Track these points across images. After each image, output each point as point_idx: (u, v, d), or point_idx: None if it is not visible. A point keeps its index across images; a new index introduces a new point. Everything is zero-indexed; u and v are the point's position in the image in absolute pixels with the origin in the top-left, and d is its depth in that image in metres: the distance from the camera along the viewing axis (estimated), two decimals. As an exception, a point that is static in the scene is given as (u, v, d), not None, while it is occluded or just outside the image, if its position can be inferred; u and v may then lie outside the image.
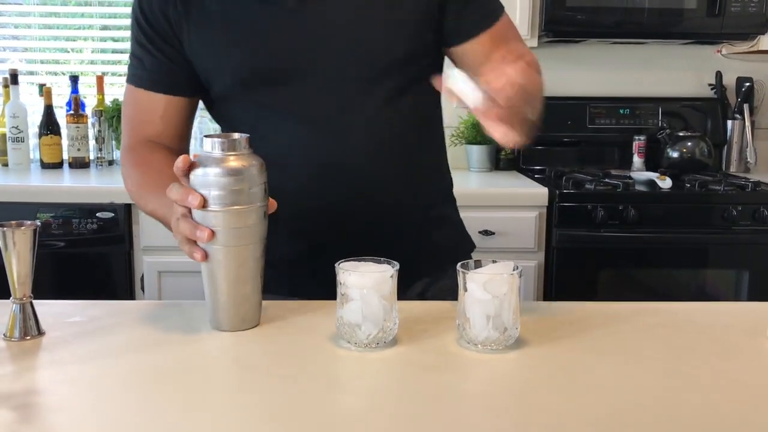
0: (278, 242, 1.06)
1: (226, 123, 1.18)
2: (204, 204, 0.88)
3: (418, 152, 1.17)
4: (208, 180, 0.88)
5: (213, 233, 0.89)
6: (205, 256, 0.91)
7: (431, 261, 1.18)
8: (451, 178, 1.27)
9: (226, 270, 0.92)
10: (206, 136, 0.90)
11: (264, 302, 0.98)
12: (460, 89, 0.85)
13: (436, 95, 1.08)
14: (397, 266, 0.89)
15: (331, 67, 1.08)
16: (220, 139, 0.89)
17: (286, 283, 1.16)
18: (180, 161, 0.89)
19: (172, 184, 0.91)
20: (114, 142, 2.69)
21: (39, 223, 0.88)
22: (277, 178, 0.99)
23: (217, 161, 0.88)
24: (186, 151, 1.15)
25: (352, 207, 1.12)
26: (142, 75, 1.13)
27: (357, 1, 1.08)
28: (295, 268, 1.17)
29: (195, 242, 0.91)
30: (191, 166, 0.90)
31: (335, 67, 1.08)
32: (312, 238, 1.15)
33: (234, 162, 0.89)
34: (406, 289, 1.08)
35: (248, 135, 0.92)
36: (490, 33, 1.13)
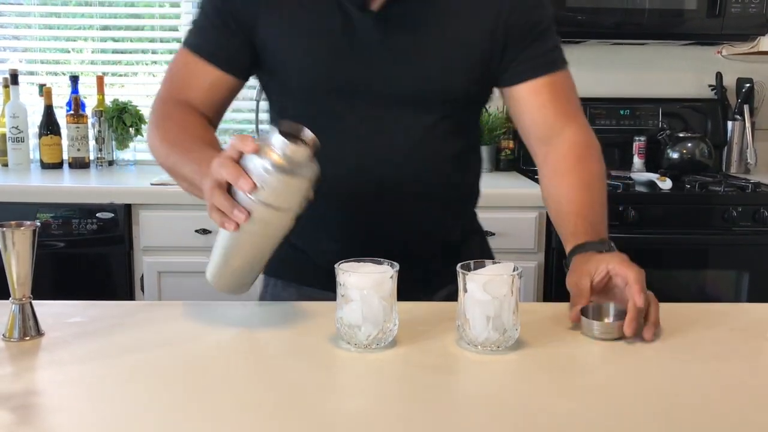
0: (319, 243, 1.15)
1: (276, 104, 1.20)
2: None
3: (457, 175, 1.20)
4: (264, 173, 0.83)
5: (247, 213, 0.85)
6: (237, 227, 0.87)
7: (449, 268, 1.20)
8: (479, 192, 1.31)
9: (249, 247, 0.91)
10: (281, 132, 0.84)
11: (265, 303, 0.98)
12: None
13: (477, 121, 1.19)
14: (397, 267, 0.89)
15: (390, 92, 1.10)
16: (291, 144, 0.84)
17: (323, 278, 1.13)
18: (247, 145, 0.84)
19: (223, 155, 0.86)
20: (114, 143, 2.69)
21: (38, 224, 0.88)
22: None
23: (281, 159, 0.83)
24: (215, 126, 1.16)
25: (388, 221, 1.15)
26: (202, 45, 1.13)
27: (431, 39, 1.10)
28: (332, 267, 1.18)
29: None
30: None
31: (394, 92, 1.10)
32: (349, 243, 1.16)
33: (296, 166, 0.84)
34: (432, 294, 1.17)
35: (317, 141, 0.88)
36: (546, 81, 1.14)
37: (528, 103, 1.15)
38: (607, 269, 0.97)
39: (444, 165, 1.16)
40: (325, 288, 1.08)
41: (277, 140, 0.83)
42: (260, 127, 2.76)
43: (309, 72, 1.11)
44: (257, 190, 0.83)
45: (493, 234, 2.21)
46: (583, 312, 0.93)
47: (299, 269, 1.20)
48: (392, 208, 1.14)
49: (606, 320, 0.94)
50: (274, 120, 1.22)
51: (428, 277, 1.18)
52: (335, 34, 1.08)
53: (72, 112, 2.60)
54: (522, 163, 2.69)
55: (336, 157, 1.10)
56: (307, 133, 0.87)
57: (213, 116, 1.16)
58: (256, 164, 0.83)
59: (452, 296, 1.16)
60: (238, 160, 0.85)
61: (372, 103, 1.10)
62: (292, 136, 0.85)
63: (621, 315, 0.93)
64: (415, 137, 1.13)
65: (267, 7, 1.10)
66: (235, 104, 2.88)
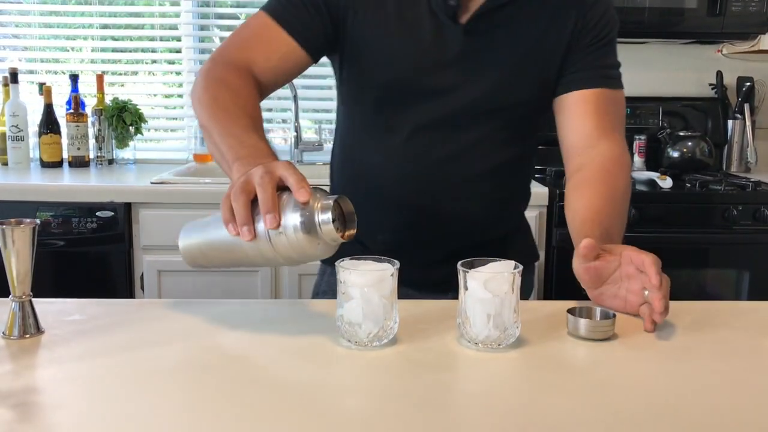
0: (376, 234, 1.21)
1: (349, 99, 1.23)
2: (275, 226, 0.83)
3: (515, 179, 1.29)
4: (291, 225, 0.82)
5: (254, 236, 0.84)
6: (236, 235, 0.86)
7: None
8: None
9: (233, 255, 0.90)
10: (335, 203, 0.84)
11: (265, 302, 0.97)
12: None
13: (536, 127, 1.25)
14: (398, 265, 0.89)
15: (466, 99, 1.16)
16: (332, 228, 0.83)
17: None
18: (300, 193, 0.82)
19: (269, 174, 0.84)
20: (114, 141, 2.69)
21: (38, 221, 0.88)
22: (379, 179, 1.19)
23: (315, 230, 0.83)
24: (267, 94, 1.16)
25: (445, 218, 1.22)
26: (285, 15, 1.14)
27: (510, 50, 1.16)
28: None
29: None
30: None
31: (470, 100, 1.16)
32: (404, 236, 1.23)
33: (321, 243, 0.84)
34: None
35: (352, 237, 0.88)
36: (597, 94, 1.18)
37: (573, 111, 1.19)
38: (621, 253, 0.98)
39: (506, 169, 1.24)
40: None
41: (325, 216, 0.83)
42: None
43: (394, 70, 1.16)
44: (275, 230, 0.83)
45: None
46: (571, 313, 0.93)
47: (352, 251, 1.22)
48: (451, 207, 1.21)
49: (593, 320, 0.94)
50: (346, 118, 1.27)
51: None
52: (425, 40, 1.14)
53: (72, 110, 2.60)
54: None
55: (403, 155, 1.19)
56: (352, 226, 0.88)
57: (271, 85, 1.17)
58: (292, 213, 0.83)
59: None
60: (280, 186, 0.85)
61: (446, 108, 1.16)
62: (340, 210, 0.85)
63: (607, 317, 0.93)
64: (483, 141, 1.19)
65: (355, 4, 1.14)
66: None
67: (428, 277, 1.22)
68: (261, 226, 0.84)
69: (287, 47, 1.14)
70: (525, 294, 1.34)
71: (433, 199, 1.21)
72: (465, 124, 1.18)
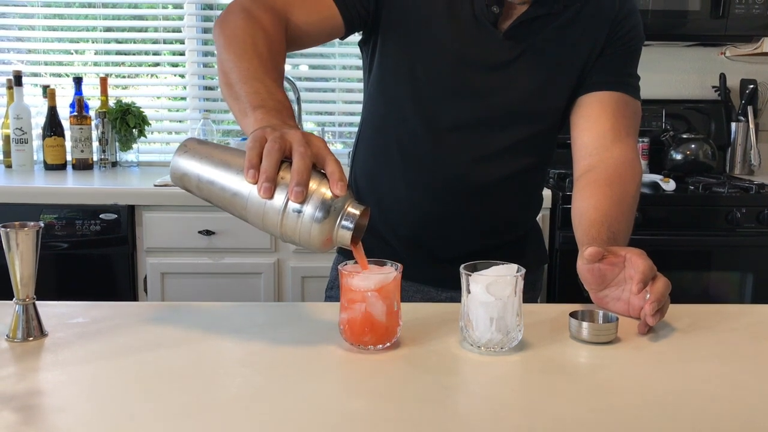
0: (398, 229, 1.25)
1: (382, 79, 1.23)
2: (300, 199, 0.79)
3: (532, 182, 1.32)
4: (312, 210, 0.79)
5: (271, 197, 0.79)
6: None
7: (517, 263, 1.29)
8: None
9: (235, 203, 0.84)
10: (360, 205, 0.81)
11: (268, 305, 0.97)
12: None
13: (557, 132, 1.27)
14: (401, 268, 0.89)
15: (499, 103, 1.19)
16: (348, 229, 0.81)
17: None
18: (336, 186, 0.79)
19: (311, 148, 0.80)
20: (117, 144, 2.70)
21: (42, 224, 0.88)
22: (406, 173, 1.21)
23: (333, 224, 0.81)
24: (285, 49, 1.09)
25: (465, 216, 1.24)
26: None
27: (545, 58, 1.19)
28: (404, 258, 1.26)
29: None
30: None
31: (503, 103, 1.19)
32: (425, 233, 1.25)
33: (333, 238, 0.82)
34: None
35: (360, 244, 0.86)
36: (615, 98, 1.20)
37: (590, 111, 1.20)
38: (625, 256, 0.98)
39: (530, 173, 1.27)
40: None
41: (348, 223, 0.80)
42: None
43: (436, 66, 1.17)
44: (294, 207, 0.79)
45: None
46: (573, 316, 0.93)
47: (377, 252, 1.21)
48: (475, 207, 1.23)
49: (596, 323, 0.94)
50: (378, 106, 1.27)
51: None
52: (467, 42, 1.17)
53: (75, 113, 2.60)
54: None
55: (433, 152, 1.21)
56: (359, 238, 0.85)
57: (299, 43, 1.16)
58: (318, 201, 0.79)
59: None
60: (313, 166, 0.80)
61: (482, 110, 1.19)
62: (358, 219, 0.82)
63: (610, 320, 0.93)
64: (514, 145, 1.21)
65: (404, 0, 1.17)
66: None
67: (446, 275, 1.22)
68: (280, 193, 0.79)
69: (329, 12, 1.14)
70: (535, 295, 1.36)
71: (457, 198, 1.23)
72: (498, 128, 1.21)
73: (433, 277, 1.26)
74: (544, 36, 1.18)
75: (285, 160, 0.80)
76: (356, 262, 0.89)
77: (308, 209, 0.79)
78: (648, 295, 0.94)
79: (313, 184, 0.79)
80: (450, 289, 1.26)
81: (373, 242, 1.28)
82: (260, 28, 1.03)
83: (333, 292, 1.36)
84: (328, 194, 0.80)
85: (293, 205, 0.79)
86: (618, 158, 1.17)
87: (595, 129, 1.19)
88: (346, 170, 1.08)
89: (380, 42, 1.21)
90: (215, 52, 1.09)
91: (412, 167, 1.24)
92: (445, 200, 1.23)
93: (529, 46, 1.18)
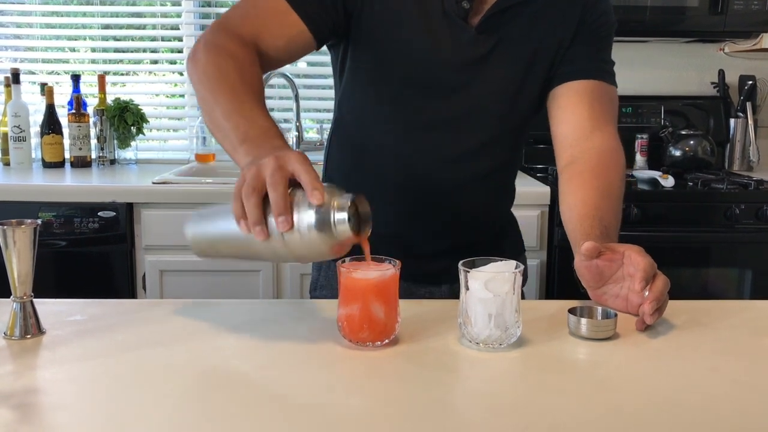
0: (376, 227, 1.23)
1: (354, 81, 1.23)
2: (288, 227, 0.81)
3: (506, 175, 1.32)
4: (305, 226, 0.80)
5: (267, 236, 0.82)
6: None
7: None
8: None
9: (245, 250, 0.87)
10: (352, 202, 0.82)
11: (267, 302, 0.97)
12: None
13: (528, 125, 1.26)
14: (399, 265, 0.89)
15: (472, 96, 1.18)
16: (348, 227, 0.81)
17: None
18: (314, 195, 0.80)
19: (281, 169, 0.81)
20: (116, 141, 2.69)
21: (39, 222, 0.87)
22: (383, 171, 1.21)
23: (330, 231, 0.81)
24: (259, 70, 1.09)
25: (439, 211, 1.24)
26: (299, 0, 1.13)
27: (516, 50, 1.18)
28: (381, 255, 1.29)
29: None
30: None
31: (475, 96, 1.18)
32: (399, 233, 1.24)
33: (337, 242, 0.82)
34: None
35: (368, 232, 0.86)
36: (590, 86, 1.19)
37: (567, 102, 1.19)
38: (623, 252, 0.98)
39: (505, 167, 1.28)
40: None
41: (341, 216, 0.81)
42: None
43: (408, 66, 1.17)
44: (290, 231, 0.81)
45: (495, 232, 2.21)
46: (572, 312, 0.93)
47: (354, 248, 1.22)
48: (452, 203, 1.23)
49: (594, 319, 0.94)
50: (350, 108, 1.26)
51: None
52: (439, 40, 1.15)
53: (74, 111, 2.60)
54: (524, 161, 2.69)
55: (409, 150, 1.20)
56: (367, 226, 0.86)
57: (273, 64, 1.17)
58: (306, 211, 0.80)
59: None
60: (293, 180, 0.82)
61: (457, 106, 1.18)
62: (356, 210, 0.83)
63: (608, 317, 0.93)
64: (490, 140, 1.21)
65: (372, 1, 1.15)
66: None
67: (424, 270, 1.23)
68: (274, 225, 0.81)
69: (297, 30, 1.13)
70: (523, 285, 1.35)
71: (432, 195, 1.22)
72: (473, 124, 1.20)
73: (412, 272, 1.21)
74: (516, 27, 1.17)
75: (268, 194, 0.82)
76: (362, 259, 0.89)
77: (301, 225, 0.81)
78: (647, 292, 0.94)
79: (296, 204, 0.81)
80: (429, 284, 1.26)
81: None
82: (228, 56, 1.04)
83: (317, 293, 1.36)
84: (311, 206, 0.81)
85: (287, 233, 0.81)
86: (600, 147, 1.16)
87: (574, 119, 1.18)
88: (320, 169, 1.10)
89: (351, 45, 1.20)
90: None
91: (384, 165, 1.23)
92: (419, 197, 1.23)
93: (502, 38, 1.16)
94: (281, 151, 0.85)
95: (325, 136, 2.84)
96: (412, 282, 1.21)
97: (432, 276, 1.25)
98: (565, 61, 1.19)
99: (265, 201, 0.82)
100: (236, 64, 1.03)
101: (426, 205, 1.23)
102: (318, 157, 2.83)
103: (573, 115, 1.18)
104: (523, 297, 1.33)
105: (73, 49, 2.88)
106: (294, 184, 0.83)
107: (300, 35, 1.14)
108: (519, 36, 1.17)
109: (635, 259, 0.95)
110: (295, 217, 0.80)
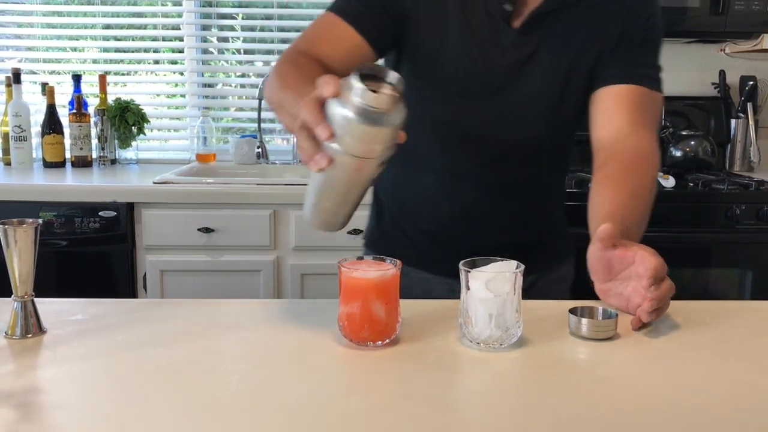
0: (419, 225, 1.28)
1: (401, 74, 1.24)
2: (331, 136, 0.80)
3: (552, 178, 1.33)
4: (342, 122, 0.79)
5: (330, 159, 0.82)
6: (322, 169, 0.84)
7: (541, 260, 1.28)
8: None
9: (336, 189, 0.88)
10: (362, 76, 0.79)
11: (267, 302, 0.97)
12: None
13: (576, 126, 1.27)
14: (400, 264, 0.89)
15: (516, 97, 1.19)
16: (372, 93, 0.78)
17: (419, 258, 1.28)
18: (326, 88, 0.81)
19: (308, 97, 0.83)
20: (116, 141, 2.69)
21: (40, 221, 0.88)
22: (427, 173, 1.23)
23: (360, 108, 0.79)
24: (319, 68, 1.12)
25: (486, 212, 1.25)
26: (350, 12, 1.17)
27: (558, 52, 1.18)
28: (428, 252, 1.29)
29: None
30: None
31: (520, 97, 1.19)
32: (445, 232, 1.27)
33: (377, 115, 0.79)
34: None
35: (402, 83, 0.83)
36: (632, 91, 1.18)
37: (606, 105, 1.19)
38: (636, 251, 0.96)
39: (549, 169, 1.29)
40: (420, 267, 1.23)
41: (358, 88, 0.78)
42: (262, 126, 2.76)
43: (453, 69, 1.18)
44: (337, 138, 0.80)
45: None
46: (573, 312, 0.93)
47: (400, 248, 1.25)
48: (494, 204, 1.25)
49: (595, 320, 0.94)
50: None
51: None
52: (482, 41, 1.17)
53: (74, 111, 2.60)
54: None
55: (452, 152, 1.23)
56: (392, 76, 0.82)
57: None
58: (335, 111, 0.80)
59: (533, 285, 1.27)
60: (322, 103, 0.83)
61: (491, 106, 1.19)
62: (374, 78, 0.81)
63: (609, 317, 0.93)
64: (531, 142, 1.23)
65: (418, 4, 1.18)
66: (239, 103, 2.88)
67: None
68: (329, 148, 0.81)
69: (354, 42, 1.17)
70: (565, 287, 1.36)
71: (479, 196, 1.24)
72: (518, 126, 1.21)
73: (456, 271, 1.26)
74: (557, 30, 1.18)
75: None
76: (361, 258, 0.89)
77: (339, 124, 0.79)
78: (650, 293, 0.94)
79: (326, 113, 0.81)
80: None
81: (397, 237, 1.32)
82: (290, 65, 1.11)
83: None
84: (332, 100, 0.80)
85: (336, 141, 0.80)
86: (634, 150, 1.16)
87: (611, 123, 1.18)
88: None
89: (400, 56, 1.23)
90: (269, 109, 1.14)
91: (427, 167, 1.25)
92: (462, 198, 1.25)
93: (543, 41, 1.17)
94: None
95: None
96: (456, 279, 1.21)
97: None
98: (608, 65, 1.19)
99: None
100: (295, 67, 1.10)
101: (469, 205, 1.25)
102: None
103: (611, 118, 1.18)
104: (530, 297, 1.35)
105: (74, 49, 2.88)
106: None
107: (358, 47, 1.17)
108: (560, 39, 1.18)
109: (647, 259, 0.94)
110: (333, 124, 0.80)
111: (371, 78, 0.81)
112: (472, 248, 1.23)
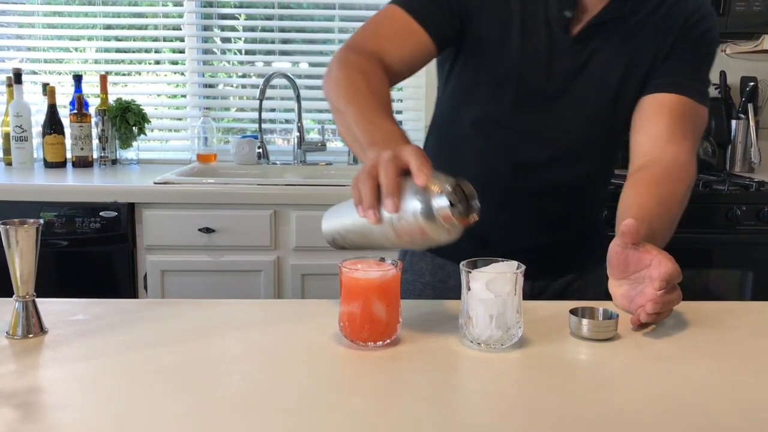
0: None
1: (458, 85, 1.26)
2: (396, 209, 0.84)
3: (596, 183, 1.33)
4: (410, 211, 0.82)
5: (380, 219, 0.85)
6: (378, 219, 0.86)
7: (580, 260, 1.32)
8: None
9: (365, 235, 0.91)
10: (454, 187, 0.82)
11: (268, 302, 0.97)
12: None
13: (622, 135, 1.26)
14: (400, 265, 0.89)
15: (567, 105, 1.20)
16: (451, 214, 0.81)
17: (457, 252, 1.30)
18: (419, 176, 0.83)
19: (392, 157, 0.85)
20: (117, 141, 2.70)
21: (42, 222, 0.88)
22: (477, 172, 1.15)
23: (433, 217, 0.82)
24: (386, 80, 1.14)
25: (528, 210, 1.26)
26: (420, 9, 1.18)
27: (612, 60, 1.19)
28: (466, 249, 1.29)
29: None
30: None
31: (572, 105, 1.20)
32: (487, 225, 1.25)
33: (440, 229, 0.83)
34: (552, 282, 1.30)
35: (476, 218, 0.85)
36: (676, 101, 1.18)
37: (649, 112, 1.19)
38: (655, 255, 0.96)
39: (597, 175, 1.30)
40: (458, 260, 1.21)
41: (443, 205, 0.81)
42: (263, 126, 2.76)
43: (510, 71, 1.19)
44: (397, 214, 0.83)
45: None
46: (573, 313, 0.93)
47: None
48: (541, 206, 1.25)
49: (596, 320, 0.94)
50: (450, 109, 1.30)
51: (554, 264, 1.30)
52: (540, 47, 1.19)
53: (75, 111, 2.60)
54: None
55: (504, 154, 1.24)
56: (476, 205, 0.85)
57: (398, 75, 1.20)
58: (411, 198, 0.83)
59: (570, 286, 1.31)
60: (406, 170, 0.85)
61: (542, 111, 1.21)
62: (461, 193, 0.83)
63: (610, 317, 0.93)
64: (582, 148, 1.24)
65: (483, 4, 1.19)
66: (240, 103, 2.88)
67: None
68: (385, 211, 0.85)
69: (419, 39, 1.17)
70: (602, 289, 1.35)
71: (519, 197, 1.25)
72: (566, 132, 1.22)
73: None
74: (613, 39, 1.19)
75: None
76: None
77: (407, 209, 0.83)
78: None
79: (405, 190, 0.84)
80: None
81: None
82: (357, 70, 1.11)
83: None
84: (416, 188, 0.83)
85: (395, 215, 0.84)
86: (670, 160, 1.16)
87: (651, 130, 1.18)
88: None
89: (457, 55, 1.24)
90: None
91: (472, 165, 1.25)
92: (504, 199, 1.25)
93: (597, 50, 1.18)
94: (400, 146, 0.89)
95: (327, 136, 2.85)
96: None
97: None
98: (658, 73, 1.20)
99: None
100: (365, 77, 1.10)
101: (511, 206, 1.26)
102: (318, 158, 2.84)
103: (652, 126, 1.18)
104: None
105: (75, 49, 2.88)
106: (408, 174, 0.85)
107: (423, 44, 1.18)
108: (615, 49, 1.19)
109: (663, 263, 0.94)
110: (403, 202, 0.83)
111: (456, 192, 0.83)
112: (511, 247, 1.24)
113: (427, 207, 0.82)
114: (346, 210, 0.93)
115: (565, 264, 1.31)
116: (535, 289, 1.28)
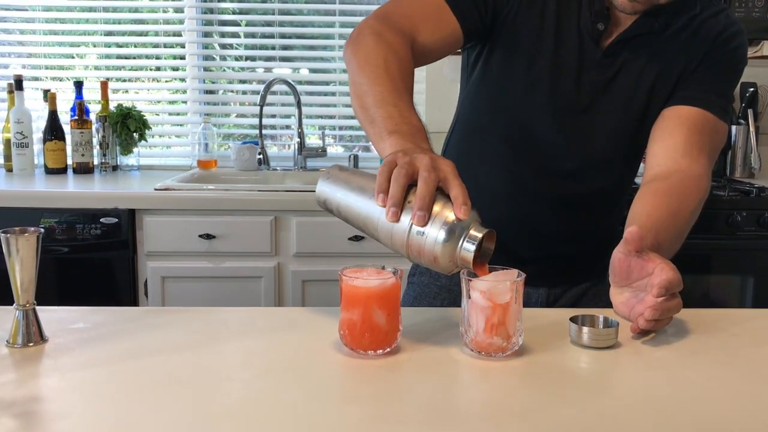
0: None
1: (481, 85, 1.26)
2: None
3: (614, 195, 1.32)
4: (434, 235, 0.82)
5: (397, 220, 0.83)
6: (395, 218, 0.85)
7: (598, 269, 1.29)
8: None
9: (367, 223, 0.88)
10: (481, 232, 0.82)
11: (268, 310, 0.97)
12: None
13: (644, 146, 1.25)
14: (400, 273, 0.89)
15: (593, 116, 1.21)
16: (472, 252, 0.82)
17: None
18: (460, 209, 0.82)
19: (435, 170, 0.83)
20: (118, 148, 2.70)
21: (43, 230, 0.88)
22: (493, 176, 1.24)
23: (453, 252, 0.83)
24: (414, 70, 1.12)
25: (548, 219, 1.26)
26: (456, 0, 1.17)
27: (641, 74, 1.19)
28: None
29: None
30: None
31: (597, 116, 1.21)
32: (507, 234, 1.23)
33: (454, 261, 0.83)
34: (568, 290, 1.30)
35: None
36: (696, 114, 1.18)
37: (666, 124, 1.19)
38: (657, 264, 0.95)
39: (615, 187, 1.30)
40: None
41: (470, 246, 0.82)
42: (264, 132, 2.77)
43: (529, 73, 1.19)
44: (418, 228, 0.82)
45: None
46: (574, 321, 0.93)
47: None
48: (559, 215, 1.25)
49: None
50: (472, 110, 1.30)
51: (573, 273, 1.30)
52: (569, 57, 1.19)
53: (76, 117, 2.61)
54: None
55: (524, 160, 1.24)
56: (486, 260, 0.86)
57: (423, 60, 1.19)
58: (441, 224, 0.82)
59: (584, 295, 1.31)
60: (440, 189, 0.84)
61: (565, 123, 1.21)
62: (481, 241, 0.83)
63: (610, 325, 0.93)
64: (602, 161, 1.24)
65: (520, 5, 1.19)
66: (240, 109, 2.89)
67: (528, 274, 1.24)
68: (406, 216, 0.83)
69: (452, 29, 1.17)
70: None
71: (542, 205, 1.25)
72: (592, 144, 1.22)
73: None
74: (642, 54, 1.19)
75: (414, 184, 0.84)
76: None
77: (431, 231, 0.82)
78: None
79: (437, 207, 0.83)
80: (528, 286, 1.26)
81: None
82: (392, 50, 1.07)
83: (415, 278, 1.37)
84: (451, 217, 0.82)
85: (417, 228, 0.82)
86: (684, 172, 1.15)
87: (668, 141, 1.18)
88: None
89: (487, 47, 1.23)
90: (347, 72, 1.12)
91: (492, 170, 1.25)
92: (522, 207, 1.25)
93: (626, 64, 1.19)
94: (432, 153, 0.88)
95: (327, 141, 2.86)
96: None
97: (535, 278, 1.22)
98: (682, 86, 1.20)
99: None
100: (398, 59, 1.07)
101: (531, 214, 1.25)
102: (319, 164, 2.84)
103: (669, 137, 1.18)
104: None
105: (76, 56, 2.89)
106: (439, 189, 0.84)
107: (454, 35, 1.18)
108: (643, 63, 1.19)
109: (665, 271, 0.93)
110: (430, 222, 0.82)
111: (479, 235, 0.83)
112: (530, 255, 1.25)
113: (453, 243, 0.82)
114: (357, 184, 0.90)
115: (583, 272, 1.31)
116: (551, 296, 1.28)
